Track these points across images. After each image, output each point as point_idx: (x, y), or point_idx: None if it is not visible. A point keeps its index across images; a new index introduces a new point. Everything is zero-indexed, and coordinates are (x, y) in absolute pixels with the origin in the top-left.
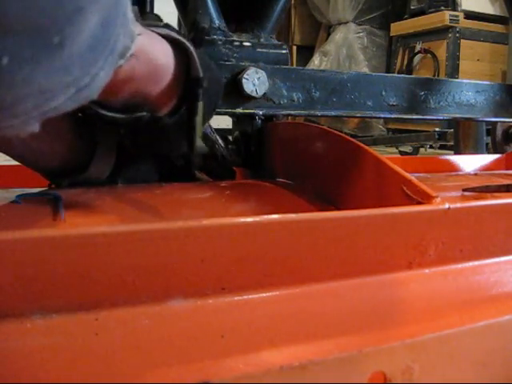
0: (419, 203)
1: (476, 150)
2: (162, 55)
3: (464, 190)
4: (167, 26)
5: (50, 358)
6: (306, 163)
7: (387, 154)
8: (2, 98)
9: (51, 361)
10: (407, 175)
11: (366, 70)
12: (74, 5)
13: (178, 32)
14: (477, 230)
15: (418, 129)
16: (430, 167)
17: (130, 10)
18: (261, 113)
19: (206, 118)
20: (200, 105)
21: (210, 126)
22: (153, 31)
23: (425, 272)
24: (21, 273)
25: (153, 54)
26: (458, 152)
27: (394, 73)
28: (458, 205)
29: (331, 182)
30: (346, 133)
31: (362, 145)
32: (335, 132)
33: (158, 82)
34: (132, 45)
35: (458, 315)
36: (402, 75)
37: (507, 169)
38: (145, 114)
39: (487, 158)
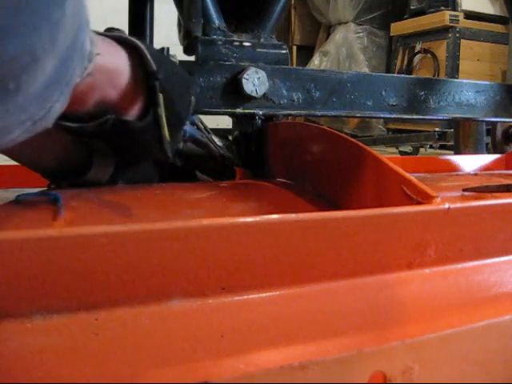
0: (419, 203)
1: (476, 150)
2: (118, 59)
3: (464, 190)
4: (113, 29)
5: (49, 358)
6: (306, 163)
7: (387, 154)
8: None
9: (51, 361)
10: (407, 175)
11: (366, 70)
12: (30, 57)
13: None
14: (477, 229)
15: (418, 129)
16: (430, 167)
17: (88, 34)
18: (261, 113)
19: (181, 113)
20: (160, 97)
21: (204, 125)
22: (105, 35)
23: (425, 272)
24: (21, 273)
25: (110, 62)
26: (458, 152)
27: (393, 73)
28: (458, 205)
29: (331, 182)
30: (346, 133)
31: (362, 145)
32: (335, 132)
33: (117, 86)
34: (90, 65)
35: (458, 315)
36: (402, 75)
37: (507, 169)
38: (108, 117)
39: (487, 158)
